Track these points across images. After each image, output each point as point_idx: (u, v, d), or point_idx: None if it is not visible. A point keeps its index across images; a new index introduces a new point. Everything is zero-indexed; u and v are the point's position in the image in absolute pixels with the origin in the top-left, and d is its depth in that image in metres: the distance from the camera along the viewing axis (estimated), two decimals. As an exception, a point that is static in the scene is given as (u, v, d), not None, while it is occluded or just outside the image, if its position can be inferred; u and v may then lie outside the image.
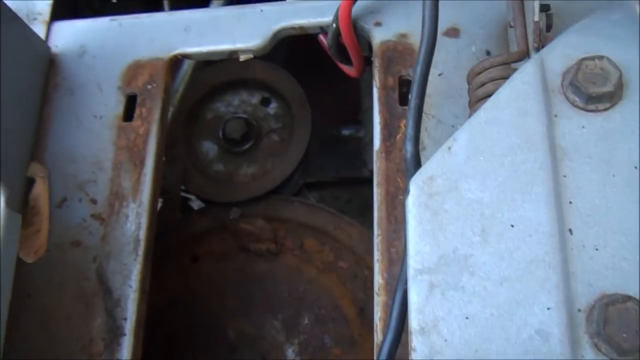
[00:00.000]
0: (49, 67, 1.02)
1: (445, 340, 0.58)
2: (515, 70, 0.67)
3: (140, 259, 0.91)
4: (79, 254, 0.93)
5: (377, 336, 0.81)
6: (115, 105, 1.00)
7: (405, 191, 0.76)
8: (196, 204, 1.50)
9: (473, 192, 0.62)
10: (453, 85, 0.89)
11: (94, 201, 0.95)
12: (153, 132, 0.97)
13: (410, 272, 0.61)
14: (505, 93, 0.64)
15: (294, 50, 1.59)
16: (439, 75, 0.89)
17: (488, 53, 0.89)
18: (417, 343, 0.59)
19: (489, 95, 0.65)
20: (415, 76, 0.76)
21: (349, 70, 1.02)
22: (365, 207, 2.27)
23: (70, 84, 1.01)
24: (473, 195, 0.62)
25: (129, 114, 0.99)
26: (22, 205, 0.93)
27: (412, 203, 0.63)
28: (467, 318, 0.58)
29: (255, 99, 1.40)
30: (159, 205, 1.28)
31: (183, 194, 1.41)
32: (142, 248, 0.91)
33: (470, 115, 0.71)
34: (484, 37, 0.90)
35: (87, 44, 1.03)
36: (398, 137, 0.87)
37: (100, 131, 0.98)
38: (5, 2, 0.94)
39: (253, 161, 1.36)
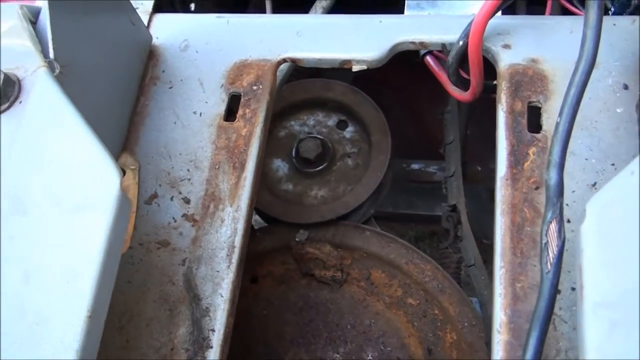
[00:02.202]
0: (148, 57, 0.98)
1: (630, 384, 0.52)
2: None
3: (233, 267, 0.84)
4: (166, 255, 0.86)
5: (497, 377, 0.74)
6: (217, 103, 0.94)
7: (545, 219, 0.71)
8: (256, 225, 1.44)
9: (663, 223, 0.56)
10: (587, 117, 0.84)
11: (187, 201, 0.89)
12: (256, 135, 0.91)
13: (587, 306, 0.55)
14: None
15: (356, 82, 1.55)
16: (574, 106, 0.84)
17: (626, 87, 0.84)
18: (595, 385, 0.52)
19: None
20: (568, 98, 0.72)
21: (460, 95, 0.98)
22: (417, 243, 2.21)
23: (170, 77, 0.96)
24: (663, 227, 0.56)
25: (230, 114, 0.94)
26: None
27: (589, 229, 0.57)
28: (656, 361, 0.52)
29: (332, 120, 1.36)
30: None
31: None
32: (237, 255, 0.85)
33: (644, 141, 0.66)
34: (621, 69, 0.86)
35: (190, 39, 0.99)
36: (526, 164, 0.82)
37: (199, 129, 0.93)
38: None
39: (324, 184, 1.30)
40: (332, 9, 1.18)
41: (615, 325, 0.54)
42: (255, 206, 1.30)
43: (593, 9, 0.70)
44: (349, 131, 1.35)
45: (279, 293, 1.25)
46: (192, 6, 1.36)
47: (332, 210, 1.25)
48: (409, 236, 2.16)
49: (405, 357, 1.19)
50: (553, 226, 0.70)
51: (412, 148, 1.71)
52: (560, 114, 0.71)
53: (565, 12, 1.01)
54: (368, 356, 1.19)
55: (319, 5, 1.16)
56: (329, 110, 1.36)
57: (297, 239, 1.25)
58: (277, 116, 1.34)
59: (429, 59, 1.01)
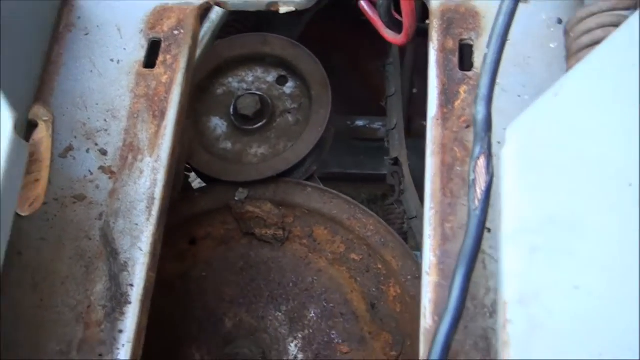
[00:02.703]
0: (62, 4, 0.91)
1: (550, 312, 0.49)
2: (625, 17, 0.59)
3: (153, 219, 0.80)
4: (82, 209, 0.82)
5: (426, 320, 0.71)
6: (135, 49, 0.89)
7: (472, 155, 0.68)
8: (196, 184, 1.39)
9: (584, 145, 0.53)
10: (520, 53, 0.81)
11: (103, 152, 0.84)
12: (177, 82, 0.86)
13: (507, 231, 0.52)
14: (620, 38, 0.56)
15: (310, 28, 1.51)
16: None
17: (560, 21, 0.81)
18: (513, 315, 0.50)
19: (596, 43, 0.57)
20: (496, 29, 0.68)
21: (394, 38, 0.94)
22: (369, 205, 2.18)
23: (86, 23, 0.91)
24: (584, 148, 0.53)
25: (150, 61, 0.89)
26: (21, 149, 0.82)
27: (510, 154, 0.54)
28: (577, 288, 0.49)
29: (272, 76, 1.31)
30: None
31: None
32: (157, 208, 0.81)
33: (569, 67, 0.63)
34: (555, 4, 0.83)
35: (108, -18, 0.93)
36: (457, 103, 0.79)
37: (117, 77, 0.88)
38: None
39: (264, 141, 1.26)
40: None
41: (535, 250, 0.51)
42: (194, 166, 1.26)
43: None
44: (289, 87, 1.30)
45: (218, 254, 1.22)
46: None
47: (271, 168, 1.21)
48: (362, 199, 2.13)
49: (348, 312, 1.16)
50: (481, 162, 0.67)
51: (361, 106, 1.68)
52: (488, 46, 0.68)
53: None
54: (311, 313, 1.17)
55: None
56: (268, 65, 1.31)
57: (236, 198, 1.21)
58: (214, 73, 1.29)
59: (362, 3, 0.97)
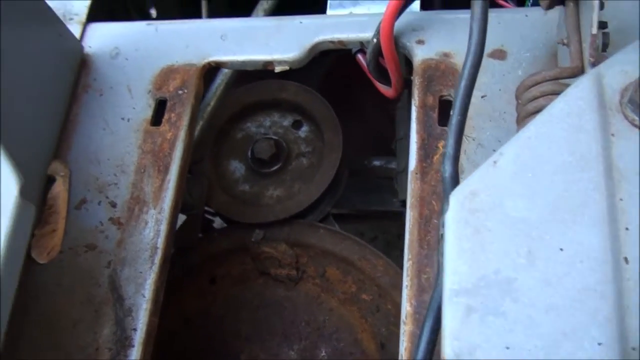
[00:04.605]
0: (80, 66, 1.00)
1: (482, 370, 0.53)
2: (568, 86, 0.62)
3: (156, 267, 0.87)
4: (92, 257, 0.89)
5: (401, 369, 0.75)
6: (144, 108, 0.97)
7: (442, 210, 0.72)
8: (218, 224, 1.46)
9: (519, 211, 0.57)
10: (497, 108, 0.84)
11: (113, 204, 0.91)
12: (180, 138, 0.93)
13: (446, 293, 0.56)
14: (559, 108, 0.59)
15: (329, 77, 1.56)
16: (482, 97, 0.84)
17: (536, 77, 0.84)
18: (449, 372, 0.53)
19: (540, 111, 0.61)
20: (459, 91, 0.72)
21: (387, 91, 0.99)
22: (390, 245, 2.21)
23: (101, 85, 0.99)
24: (519, 214, 0.56)
25: (157, 119, 0.96)
26: (40, 204, 0.90)
27: (452, 218, 0.58)
28: (507, 348, 0.53)
29: (287, 121, 1.37)
30: (181, 221, 1.25)
31: (206, 213, 1.37)
32: (159, 257, 0.87)
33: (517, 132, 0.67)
34: (531, 60, 0.86)
35: (121, 46, 1.01)
36: (435, 157, 0.83)
37: (127, 134, 0.95)
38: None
39: (280, 184, 1.32)
40: (276, 12, 1.19)
41: (470, 310, 0.55)
42: (213, 208, 1.33)
43: (477, 2, 0.71)
44: (304, 130, 1.36)
45: (236, 293, 1.27)
46: (154, 13, 1.38)
47: (285, 210, 1.27)
48: (392, 234, 2.17)
49: (358, 352, 1.20)
50: (449, 217, 0.71)
51: (386, 144, 1.72)
52: (452, 108, 0.72)
53: (493, 4, 1.01)
54: (322, 352, 1.21)
55: (259, 9, 1.17)
56: (284, 110, 1.37)
57: (253, 239, 1.27)
58: (234, 118, 1.36)
59: (359, 56, 1.02)
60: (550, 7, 0.71)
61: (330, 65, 1.63)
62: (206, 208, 1.33)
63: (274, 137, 1.34)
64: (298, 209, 1.26)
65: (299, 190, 1.30)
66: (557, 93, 0.61)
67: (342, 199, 1.41)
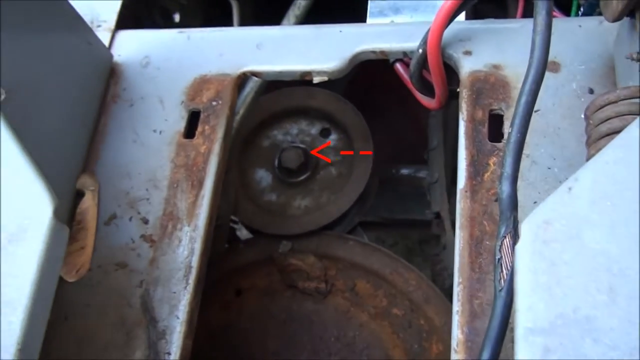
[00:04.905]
0: (109, 75, 0.97)
1: (561, 416, 0.49)
2: (645, 106, 0.58)
3: (190, 288, 0.83)
4: (123, 277, 0.85)
5: (452, 398, 0.71)
6: (176, 120, 0.93)
7: (498, 234, 0.68)
8: (243, 234, 1.42)
9: (598, 242, 0.53)
10: (551, 123, 0.80)
11: (145, 221, 0.88)
12: (215, 152, 0.89)
13: (520, 331, 0.52)
14: (639, 130, 0.55)
15: (352, 83, 1.52)
16: (536, 112, 0.80)
17: (591, 91, 0.80)
18: (525, 417, 0.49)
19: (615, 132, 0.57)
20: (519, 108, 0.68)
21: (428, 103, 0.95)
22: (411, 252, 2.17)
23: (131, 95, 0.95)
24: (598, 246, 0.52)
25: (190, 131, 0.92)
26: (69, 219, 0.86)
27: (524, 249, 0.54)
28: (589, 392, 0.49)
29: (315, 129, 1.33)
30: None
31: (230, 221, 1.34)
32: (194, 276, 0.83)
33: (589, 155, 0.63)
34: (586, 73, 0.82)
35: (151, 55, 0.98)
36: (486, 175, 0.79)
37: (158, 147, 0.91)
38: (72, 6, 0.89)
39: (308, 193, 1.28)
40: (306, 19, 1.15)
41: (548, 352, 0.51)
42: (239, 218, 1.29)
43: (541, 14, 0.67)
44: (332, 139, 1.32)
45: (262, 306, 1.24)
46: (177, 17, 1.35)
47: (314, 221, 1.23)
48: (413, 240, 2.13)
49: (389, 369, 1.16)
50: (507, 242, 0.67)
51: (412, 151, 1.68)
52: (511, 125, 0.68)
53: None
54: (352, 369, 1.17)
55: (291, 15, 1.13)
56: (312, 118, 1.34)
57: (280, 251, 1.23)
58: (260, 126, 1.33)
59: (398, 66, 0.98)
60: (618, 18, 0.67)
61: (355, 72, 1.60)
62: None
63: (301, 145, 1.30)
64: (326, 220, 1.23)
65: (327, 200, 1.26)
66: (634, 114, 0.57)
67: (370, 207, 1.37)
